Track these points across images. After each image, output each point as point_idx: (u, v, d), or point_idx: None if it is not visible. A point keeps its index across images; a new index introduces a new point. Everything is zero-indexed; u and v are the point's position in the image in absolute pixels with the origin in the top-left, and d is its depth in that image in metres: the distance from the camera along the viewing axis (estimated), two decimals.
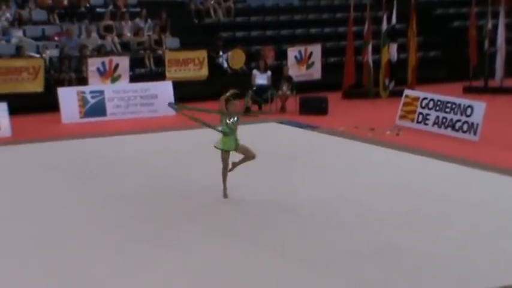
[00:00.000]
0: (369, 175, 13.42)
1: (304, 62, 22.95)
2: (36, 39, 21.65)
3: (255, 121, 18.91)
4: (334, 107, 20.18)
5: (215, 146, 11.80)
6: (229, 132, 11.66)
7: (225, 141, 11.65)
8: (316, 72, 23.12)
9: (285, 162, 14.47)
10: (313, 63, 23.07)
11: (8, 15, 21.86)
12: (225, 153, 11.68)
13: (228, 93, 12.01)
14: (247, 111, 12.67)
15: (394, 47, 22.48)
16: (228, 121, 11.72)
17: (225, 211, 11.40)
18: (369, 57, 22.42)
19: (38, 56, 20.62)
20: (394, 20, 22.53)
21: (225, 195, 11.77)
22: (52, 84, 19.99)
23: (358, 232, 10.37)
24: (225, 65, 22.78)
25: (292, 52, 22.84)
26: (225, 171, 11.77)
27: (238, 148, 11.77)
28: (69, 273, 8.90)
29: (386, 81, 22.41)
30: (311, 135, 17.32)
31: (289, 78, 20.97)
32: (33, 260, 9.36)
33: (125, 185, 12.83)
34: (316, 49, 23.12)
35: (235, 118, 11.78)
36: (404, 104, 18.48)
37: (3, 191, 12.62)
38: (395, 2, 22.57)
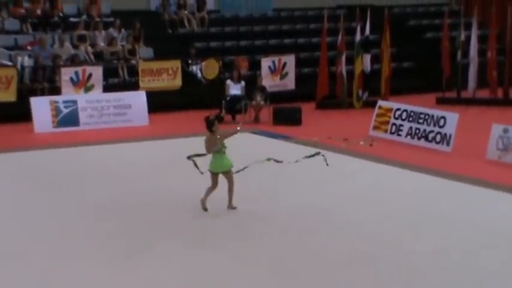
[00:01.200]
0: (342, 185, 13.45)
1: (278, 73, 22.97)
2: (8, 48, 21.50)
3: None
4: (307, 118, 20.23)
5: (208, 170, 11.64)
6: (221, 152, 11.51)
7: (214, 163, 11.53)
8: (290, 83, 23.14)
9: (259, 172, 14.44)
10: (287, 73, 23.09)
11: None
12: (215, 176, 11.59)
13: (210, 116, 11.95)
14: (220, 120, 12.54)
15: (367, 58, 22.59)
16: (219, 142, 11.58)
17: (201, 222, 11.35)
18: (343, 68, 22.51)
19: (10, 64, 20.46)
20: (367, 30, 22.65)
21: (204, 208, 11.69)
22: (25, 94, 19.85)
23: (331, 241, 10.38)
24: (199, 75, 22.75)
25: (266, 62, 22.85)
26: (211, 189, 11.66)
27: (230, 169, 11.64)
28: (38, 286, 8.82)
29: (360, 92, 22.51)
30: (285, 146, 17.32)
31: (262, 89, 20.98)
32: None
33: (98, 195, 12.75)
34: (290, 59, 23.15)
35: (222, 139, 11.59)
36: (378, 115, 18.55)
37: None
38: (368, 13, 22.70)
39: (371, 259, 9.71)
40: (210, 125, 11.62)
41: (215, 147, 11.42)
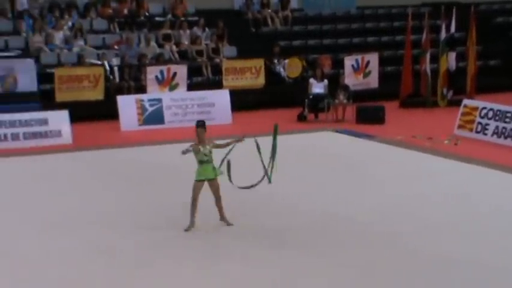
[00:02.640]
0: (427, 185, 13.30)
1: (361, 71, 22.87)
2: (96, 47, 22.03)
3: (310, 130, 18.98)
4: (391, 116, 20.06)
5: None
6: (204, 161, 10.73)
7: (200, 171, 10.74)
8: (373, 81, 23.03)
9: (342, 171, 14.44)
10: (370, 72, 22.97)
11: (70, 24, 22.28)
12: (197, 183, 10.72)
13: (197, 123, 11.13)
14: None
15: (452, 56, 22.25)
16: (201, 149, 10.76)
17: (282, 221, 11.39)
18: (427, 66, 22.22)
19: (98, 63, 20.97)
20: (453, 28, 22.30)
21: (191, 226, 10.78)
22: (112, 92, 20.30)
23: (415, 242, 10.28)
24: (282, 73, 22.84)
25: (349, 61, 22.78)
26: (194, 202, 10.73)
27: (216, 179, 10.77)
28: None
29: (445, 90, 22.19)
30: (368, 145, 17.25)
31: (345, 87, 20.90)
32: (92, 264, 9.52)
33: (183, 193, 12.91)
34: (373, 58, 23.03)
35: (209, 146, 10.80)
36: (463, 114, 18.27)
37: (62, 196, 12.82)
38: (454, 11, 22.34)
39: (457, 260, 9.57)
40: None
41: (197, 156, 10.75)
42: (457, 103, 19.17)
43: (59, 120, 17.83)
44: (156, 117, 19.75)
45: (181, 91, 20.76)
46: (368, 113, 20.05)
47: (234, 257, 9.80)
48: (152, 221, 11.39)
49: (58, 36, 21.64)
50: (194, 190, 10.69)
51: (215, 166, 10.82)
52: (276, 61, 22.92)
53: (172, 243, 10.38)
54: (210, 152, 10.75)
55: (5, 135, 17.24)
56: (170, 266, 9.49)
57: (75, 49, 21.57)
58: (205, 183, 10.79)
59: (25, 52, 20.99)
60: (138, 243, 10.34)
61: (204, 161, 10.69)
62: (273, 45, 23.28)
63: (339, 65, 23.17)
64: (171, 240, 10.46)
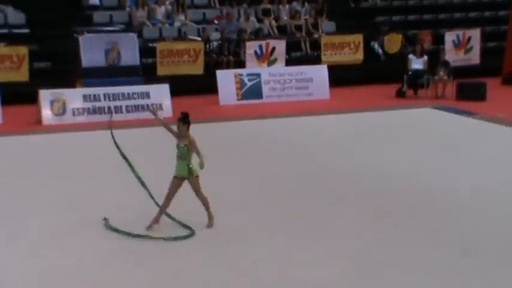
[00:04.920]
0: None
1: (463, 47, 22.45)
2: (197, 22, 22.35)
3: (409, 106, 18.80)
4: (492, 93, 19.65)
5: None
6: (179, 156, 9.80)
7: (176, 166, 9.84)
8: (474, 57, 22.59)
9: (441, 149, 14.28)
10: (471, 47, 22.53)
11: None
12: (173, 179, 9.80)
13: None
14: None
15: None
16: (177, 143, 9.86)
17: (383, 195, 11.39)
18: None
19: (198, 39, 21.28)
20: None
21: (150, 227, 9.77)
22: (211, 67, 20.58)
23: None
24: (380, 50, 22.64)
25: (450, 36, 22.40)
26: (167, 199, 9.80)
27: (190, 177, 9.73)
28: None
29: None
30: (468, 122, 16.97)
31: (446, 63, 20.57)
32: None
33: (279, 167, 13.07)
34: (475, 33, 22.56)
35: (183, 143, 9.78)
36: None
37: (163, 166, 13.09)
38: None
39: None
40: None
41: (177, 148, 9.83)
42: None
43: (160, 93, 18.22)
44: (254, 92, 19.92)
45: (280, 66, 20.87)
46: (469, 89, 19.69)
47: (339, 231, 9.87)
48: (252, 195, 11.54)
49: (160, 11, 22.05)
50: (170, 185, 9.79)
51: (192, 165, 9.71)
52: (379, 38, 22.66)
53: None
54: (186, 149, 9.71)
55: (108, 108, 17.74)
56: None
57: (176, 24, 21.94)
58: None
59: (128, 26, 21.48)
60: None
61: (178, 157, 9.79)
62: (382, 25, 23.00)
63: (439, 40, 22.79)
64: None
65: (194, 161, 9.76)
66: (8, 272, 8.56)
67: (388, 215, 10.44)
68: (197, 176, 9.76)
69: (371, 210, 10.64)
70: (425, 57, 20.67)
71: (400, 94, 20.30)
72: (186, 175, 9.74)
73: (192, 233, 9.63)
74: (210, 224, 9.91)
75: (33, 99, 17.41)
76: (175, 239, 9.47)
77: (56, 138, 15.64)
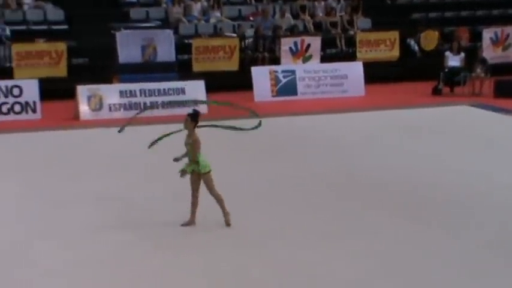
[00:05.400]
0: None
1: (501, 44, 22.23)
2: (233, 19, 22.41)
3: (445, 104, 18.67)
4: None
5: None
6: (186, 154, 9.84)
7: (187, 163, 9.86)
8: None
9: (479, 147, 14.18)
10: (509, 44, 22.32)
11: None
12: (190, 176, 9.78)
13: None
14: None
15: None
16: (186, 141, 9.80)
17: (416, 195, 11.35)
18: None
19: (234, 35, 21.33)
20: None
21: (192, 222, 9.87)
22: (246, 63, 20.62)
23: None
24: (416, 47, 22.51)
25: (487, 33, 22.19)
26: (192, 196, 9.80)
27: (202, 175, 9.67)
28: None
29: None
30: (507, 120, 16.82)
31: (483, 60, 20.41)
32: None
33: (315, 163, 13.09)
34: None
35: (188, 142, 9.74)
36: None
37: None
38: None
39: None
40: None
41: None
42: None
43: (196, 89, 18.30)
44: (289, 88, 19.93)
45: (315, 63, 20.85)
46: (507, 87, 19.50)
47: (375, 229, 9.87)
48: (285, 192, 11.58)
49: (196, 8, 22.16)
50: (190, 183, 9.81)
51: (200, 161, 9.63)
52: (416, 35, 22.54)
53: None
54: (189, 147, 9.69)
55: (144, 104, 17.88)
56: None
57: (212, 20, 22.03)
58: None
59: (164, 23, 21.60)
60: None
61: (187, 154, 9.79)
62: (418, 24, 22.86)
63: (476, 37, 22.58)
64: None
65: (205, 157, 9.68)
66: (45, 263, 8.71)
67: (422, 216, 10.40)
68: (209, 172, 9.69)
69: (404, 210, 10.61)
70: (462, 54, 20.52)
71: (437, 91, 20.18)
72: (190, 171, 9.69)
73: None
74: (226, 221, 9.83)
75: (71, 95, 17.63)
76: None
77: (93, 134, 15.82)
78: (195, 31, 21.66)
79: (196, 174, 9.72)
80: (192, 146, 9.68)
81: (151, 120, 16.86)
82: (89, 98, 17.59)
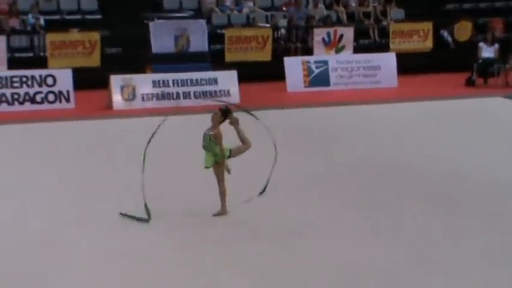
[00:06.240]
0: None
1: None
2: (265, 9, 22.40)
3: (478, 95, 18.53)
4: None
5: None
6: (203, 147, 9.91)
7: (205, 157, 9.93)
8: None
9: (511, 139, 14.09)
10: None
11: None
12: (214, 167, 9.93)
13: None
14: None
15: None
16: (206, 132, 9.94)
17: (453, 187, 11.30)
18: None
19: (267, 25, 21.32)
20: None
21: (224, 212, 9.95)
22: (279, 54, 20.62)
23: None
24: (449, 38, 22.33)
25: None
26: (219, 186, 9.90)
27: (210, 166, 9.88)
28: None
29: None
30: None
31: None
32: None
33: (346, 154, 13.07)
34: None
35: (210, 133, 9.85)
36: None
37: None
38: None
39: None
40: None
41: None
42: None
43: (228, 80, 18.37)
44: (322, 79, 19.91)
45: (348, 53, 20.80)
46: None
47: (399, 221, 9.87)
48: (319, 183, 11.59)
49: None
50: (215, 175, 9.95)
51: (216, 155, 9.77)
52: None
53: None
54: (209, 138, 9.78)
55: (177, 94, 17.97)
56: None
57: (245, 10, 22.03)
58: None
59: (197, 13, 21.66)
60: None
61: (203, 147, 9.89)
62: (442, 8, 22.68)
63: (511, 28, 22.34)
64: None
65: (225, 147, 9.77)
66: (77, 253, 8.80)
67: (456, 207, 10.35)
68: (222, 162, 9.77)
69: (439, 202, 10.56)
70: (497, 45, 20.34)
71: (470, 83, 20.04)
72: (205, 165, 9.82)
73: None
74: (218, 213, 9.87)
75: (104, 85, 17.75)
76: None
77: (126, 123, 15.94)
78: (228, 21, 21.69)
79: (217, 163, 9.82)
80: (211, 138, 9.75)
81: (183, 110, 17.00)
82: (122, 88, 17.70)
